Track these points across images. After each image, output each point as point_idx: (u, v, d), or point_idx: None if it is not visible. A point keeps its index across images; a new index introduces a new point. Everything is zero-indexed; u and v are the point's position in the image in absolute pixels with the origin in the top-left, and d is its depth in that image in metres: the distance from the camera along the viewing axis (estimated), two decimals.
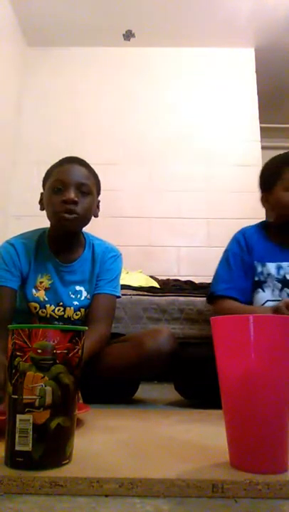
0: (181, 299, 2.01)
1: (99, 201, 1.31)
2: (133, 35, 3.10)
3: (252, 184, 3.36)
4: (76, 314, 1.27)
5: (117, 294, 1.32)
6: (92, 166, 1.29)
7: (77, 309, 1.26)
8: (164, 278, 2.53)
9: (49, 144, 2.96)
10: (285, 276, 1.31)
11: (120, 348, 1.26)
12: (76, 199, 1.16)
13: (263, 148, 3.14)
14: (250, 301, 1.34)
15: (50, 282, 1.25)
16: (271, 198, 1.36)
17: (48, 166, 1.29)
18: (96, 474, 0.47)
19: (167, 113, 3.19)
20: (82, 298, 1.27)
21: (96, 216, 1.30)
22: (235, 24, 3.03)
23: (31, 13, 2.93)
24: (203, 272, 2.86)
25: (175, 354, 1.22)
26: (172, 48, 3.24)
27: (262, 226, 1.44)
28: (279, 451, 0.50)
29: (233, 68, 3.27)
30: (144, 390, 1.40)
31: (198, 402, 1.15)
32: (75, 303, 1.26)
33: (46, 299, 1.24)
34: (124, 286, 1.98)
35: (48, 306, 1.24)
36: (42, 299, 1.24)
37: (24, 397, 0.50)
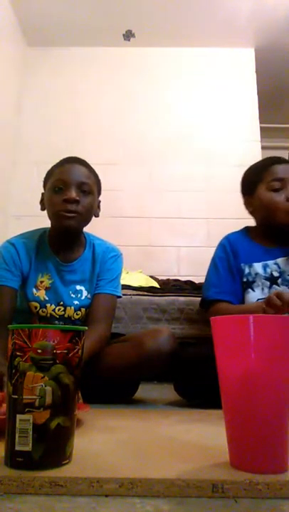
0: (181, 299, 2.01)
1: (99, 201, 1.32)
2: (133, 35, 3.10)
3: None
4: (76, 314, 1.27)
5: (118, 294, 1.32)
6: (92, 166, 1.30)
7: (77, 309, 1.26)
8: (164, 278, 2.53)
9: (49, 144, 2.96)
10: (272, 274, 1.34)
11: (120, 348, 1.26)
12: (77, 198, 1.16)
13: (263, 148, 3.14)
14: (241, 303, 1.35)
15: (50, 282, 1.25)
16: (254, 200, 1.40)
17: (48, 166, 1.29)
18: (96, 474, 0.47)
19: (167, 113, 3.19)
20: (83, 297, 1.27)
21: (97, 216, 1.30)
22: (235, 24, 3.03)
23: (31, 13, 2.93)
24: (203, 272, 2.85)
25: (175, 354, 1.22)
26: (172, 48, 3.24)
27: (245, 231, 1.49)
28: (279, 451, 0.50)
29: (233, 68, 3.27)
30: (144, 390, 1.40)
31: (198, 402, 1.15)
32: (76, 302, 1.26)
33: (47, 298, 1.24)
34: (124, 286, 1.98)
35: (48, 305, 1.24)
36: (42, 299, 1.24)
37: (24, 397, 0.50)
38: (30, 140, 3.08)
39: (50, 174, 1.25)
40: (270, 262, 1.35)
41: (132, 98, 3.19)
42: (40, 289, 1.24)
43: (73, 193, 1.16)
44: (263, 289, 1.33)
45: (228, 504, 0.44)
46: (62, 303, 1.25)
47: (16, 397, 0.50)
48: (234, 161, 3.12)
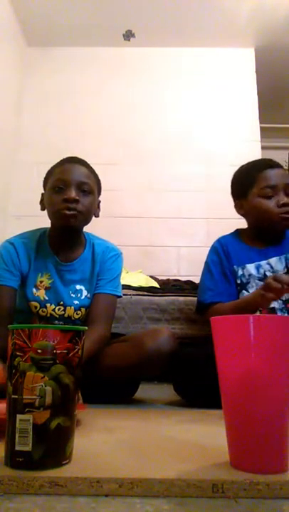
0: (181, 299, 2.01)
1: (99, 201, 1.32)
2: (133, 35, 3.10)
3: None
4: (77, 314, 1.27)
5: (118, 294, 1.32)
6: (92, 166, 1.30)
7: (77, 308, 1.26)
8: (164, 278, 2.53)
9: (49, 144, 2.96)
10: (265, 274, 1.35)
11: (120, 348, 1.26)
12: (77, 198, 1.17)
13: (263, 148, 3.14)
14: None
15: (50, 281, 1.25)
16: (246, 205, 1.40)
17: (48, 166, 1.29)
18: (96, 474, 0.47)
19: (167, 113, 3.19)
20: (83, 297, 1.27)
21: (97, 216, 1.31)
22: (235, 24, 3.03)
23: (31, 13, 2.93)
24: None
25: (175, 354, 1.22)
26: (172, 48, 3.24)
27: (237, 233, 1.50)
28: (279, 451, 0.50)
29: (233, 68, 3.27)
30: (144, 390, 1.40)
31: (198, 402, 1.15)
32: (76, 302, 1.26)
33: (46, 298, 1.24)
34: (124, 286, 1.98)
35: (48, 305, 1.24)
36: (42, 298, 1.24)
37: (24, 397, 0.50)
38: (30, 140, 3.08)
39: (50, 174, 1.26)
40: (263, 263, 1.37)
41: (132, 98, 3.19)
42: (40, 289, 1.24)
43: (73, 193, 1.17)
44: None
45: (228, 504, 0.44)
46: (62, 303, 1.25)
47: (16, 397, 0.50)
48: (234, 161, 3.09)
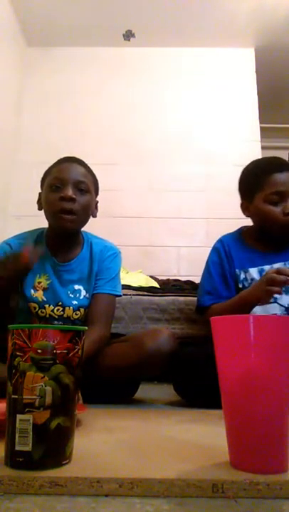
0: (181, 299, 2.01)
1: (97, 201, 1.32)
2: (133, 35, 3.10)
3: None
4: (76, 314, 1.26)
5: (117, 293, 1.32)
6: (92, 166, 1.30)
7: (76, 309, 1.26)
8: (164, 278, 2.53)
9: (49, 144, 2.96)
10: None
11: (120, 348, 1.26)
12: (74, 196, 1.16)
13: (263, 148, 3.14)
14: None
15: (48, 282, 1.25)
16: (251, 207, 1.36)
17: (48, 166, 1.29)
18: (96, 474, 0.47)
19: (167, 113, 3.19)
20: (82, 297, 1.27)
21: (94, 216, 1.30)
22: (235, 24, 3.03)
23: (31, 13, 2.93)
24: None
25: (175, 354, 1.22)
26: (172, 48, 3.24)
27: (240, 232, 1.46)
28: (279, 451, 0.50)
29: (233, 68, 3.27)
30: (144, 390, 1.40)
31: (198, 402, 1.15)
32: (74, 302, 1.26)
33: (45, 299, 1.24)
34: (124, 286, 1.98)
35: (46, 306, 1.24)
36: (40, 299, 1.24)
37: (24, 397, 0.50)
38: (30, 140, 3.08)
39: (47, 173, 1.26)
40: (267, 267, 1.32)
41: (132, 98, 3.19)
42: (38, 290, 1.24)
43: (70, 191, 1.17)
44: None
45: (228, 504, 0.44)
46: (60, 303, 1.25)
47: (16, 397, 0.50)
48: (234, 161, 3.11)
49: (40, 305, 1.24)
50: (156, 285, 2.29)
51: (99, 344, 1.19)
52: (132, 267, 2.49)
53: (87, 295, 1.28)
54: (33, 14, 2.94)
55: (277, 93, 3.59)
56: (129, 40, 3.13)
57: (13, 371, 0.51)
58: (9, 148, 2.95)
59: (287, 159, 1.40)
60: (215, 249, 1.43)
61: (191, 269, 2.83)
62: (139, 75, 3.23)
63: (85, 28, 3.07)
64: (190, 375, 1.22)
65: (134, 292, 2.05)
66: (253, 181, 1.36)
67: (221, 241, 1.43)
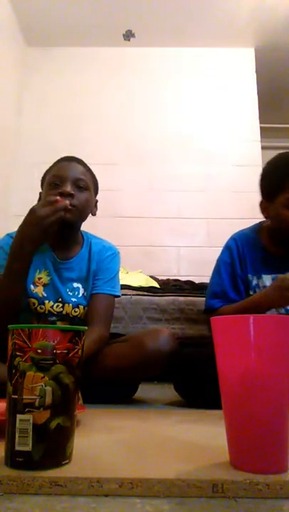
0: (181, 299, 2.01)
1: (97, 201, 1.32)
2: (133, 35, 3.10)
3: (252, 184, 3.36)
4: (74, 311, 1.26)
5: (116, 294, 1.32)
6: (92, 166, 1.30)
7: (75, 306, 1.26)
8: (164, 278, 2.53)
9: (49, 144, 2.96)
10: None
11: (120, 348, 1.26)
12: (72, 192, 1.17)
13: (263, 148, 3.14)
14: None
15: (48, 278, 1.25)
16: (271, 209, 1.26)
17: (48, 166, 1.30)
18: (96, 474, 0.47)
19: (167, 113, 3.19)
20: (80, 295, 1.27)
21: (94, 214, 1.31)
22: (235, 24, 3.03)
23: (31, 13, 2.93)
24: (203, 272, 2.85)
25: (175, 354, 1.22)
26: (172, 48, 3.25)
27: (257, 230, 1.34)
28: (279, 451, 0.50)
29: (233, 68, 3.27)
30: (144, 390, 1.40)
31: (198, 402, 1.15)
32: (73, 299, 1.26)
33: (45, 294, 1.24)
34: (124, 286, 1.98)
35: (46, 302, 1.24)
36: (40, 295, 1.24)
37: (24, 397, 0.50)
38: (30, 140, 3.08)
39: (47, 173, 1.27)
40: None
41: (132, 98, 3.19)
42: (37, 286, 1.24)
43: (68, 187, 1.18)
44: None
45: (228, 504, 0.44)
46: (60, 299, 1.25)
47: (16, 397, 0.50)
48: (234, 161, 3.12)
49: (39, 301, 1.24)
50: (156, 285, 2.29)
51: (99, 344, 1.19)
52: (132, 267, 2.50)
53: (85, 294, 1.28)
54: (33, 14, 2.94)
55: (277, 93, 3.59)
56: (129, 40, 3.13)
57: (13, 371, 0.51)
58: (9, 148, 2.95)
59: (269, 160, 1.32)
60: (227, 248, 1.32)
61: (191, 269, 2.84)
62: (139, 75, 3.23)
63: (85, 28, 3.07)
64: (190, 375, 1.22)
65: (134, 292, 2.05)
66: (275, 182, 1.24)
67: (234, 240, 1.33)
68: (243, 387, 0.51)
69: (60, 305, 1.25)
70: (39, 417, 0.49)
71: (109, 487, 0.46)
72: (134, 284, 2.18)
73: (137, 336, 1.29)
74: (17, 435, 0.49)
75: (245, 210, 2.94)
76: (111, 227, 2.72)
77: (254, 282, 1.27)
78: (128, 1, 2.84)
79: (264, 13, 2.93)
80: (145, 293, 2.07)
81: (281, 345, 0.51)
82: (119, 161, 3.07)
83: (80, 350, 0.54)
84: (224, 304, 1.28)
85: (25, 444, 0.49)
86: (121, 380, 1.26)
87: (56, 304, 1.25)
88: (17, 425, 0.50)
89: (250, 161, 3.09)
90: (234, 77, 3.26)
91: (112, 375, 1.21)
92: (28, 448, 0.49)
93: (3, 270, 1.12)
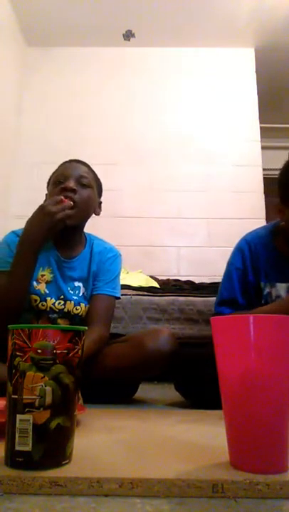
0: (181, 299, 2.01)
1: (100, 202, 1.34)
2: (133, 35, 3.10)
3: (252, 184, 3.37)
4: (76, 309, 1.27)
5: (116, 295, 1.32)
6: (93, 166, 1.33)
7: (77, 303, 1.27)
8: (164, 278, 2.54)
9: (49, 144, 2.96)
10: None
11: (120, 348, 1.26)
12: (74, 187, 1.19)
13: (263, 148, 3.14)
14: None
15: (51, 276, 1.26)
16: (287, 213, 1.13)
17: (48, 166, 1.32)
18: (96, 474, 0.47)
19: (167, 113, 3.19)
20: (80, 294, 1.28)
21: (97, 214, 1.32)
22: (235, 24, 3.03)
23: (31, 13, 2.93)
24: (203, 272, 2.87)
25: (175, 354, 1.22)
26: (172, 48, 3.25)
27: (272, 232, 1.23)
28: (279, 451, 0.50)
29: (233, 68, 3.27)
30: (144, 390, 1.40)
31: (198, 402, 1.15)
32: (75, 298, 1.27)
33: (47, 291, 1.25)
34: (124, 286, 1.99)
35: (48, 299, 1.24)
36: (43, 292, 1.24)
37: (24, 397, 0.50)
38: (30, 140, 3.08)
39: (52, 174, 1.30)
40: None
41: (132, 98, 3.19)
42: (40, 282, 1.25)
43: (71, 183, 1.20)
44: None
45: (228, 504, 0.44)
46: (62, 296, 1.26)
47: (16, 397, 0.50)
48: (234, 161, 3.12)
49: (41, 298, 1.24)
50: (156, 285, 2.29)
51: (99, 344, 1.19)
52: (132, 267, 2.50)
53: (85, 293, 1.29)
54: (33, 14, 2.94)
55: (277, 93, 3.60)
56: (129, 40, 3.13)
57: (13, 371, 0.51)
58: (9, 148, 2.95)
59: (287, 159, 1.26)
60: (239, 252, 1.23)
61: (191, 269, 2.84)
62: (139, 75, 3.23)
63: (85, 28, 3.07)
64: (190, 375, 1.22)
65: (134, 292, 2.05)
66: None
67: (247, 243, 1.22)
68: (243, 387, 0.51)
69: (62, 302, 1.25)
70: (39, 417, 0.49)
71: (109, 487, 0.46)
72: (134, 284, 2.18)
73: (137, 336, 1.29)
74: (17, 435, 0.49)
75: (246, 210, 2.95)
76: (111, 227, 2.72)
77: (266, 290, 1.18)
78: (128, 1, 2.84)
79: (264, 13, 2.93)
80: (145, 293, 2.07)
81: (281, 345, 0.51)
82: (119, 161, 3.07)
83: (80, 350, 0.54)
84: (233, 311, 1.23)
85: (25, 444, 0.49)
86: (121, 380, 1.26)
87: (58, 302, 1.25)
88: (17, 425, 0.50)
89: (250, 161, 3.09)
90: (234, 77, 3.26)
91: (112, 375, 1.21)
92: (28, 448, 0.49)
93: (9, 267, 1.13)
